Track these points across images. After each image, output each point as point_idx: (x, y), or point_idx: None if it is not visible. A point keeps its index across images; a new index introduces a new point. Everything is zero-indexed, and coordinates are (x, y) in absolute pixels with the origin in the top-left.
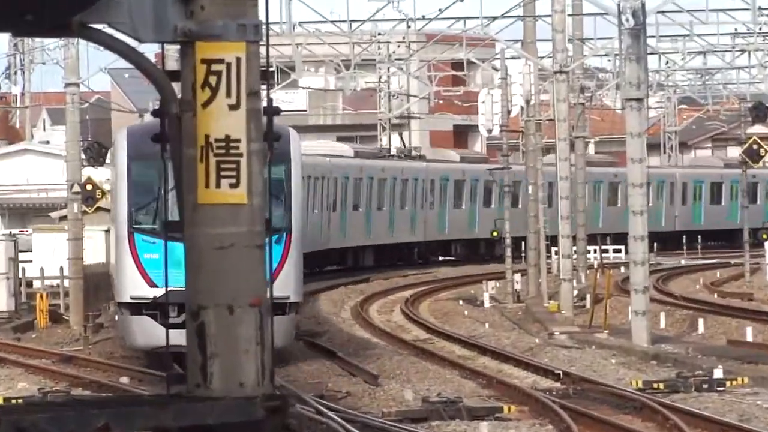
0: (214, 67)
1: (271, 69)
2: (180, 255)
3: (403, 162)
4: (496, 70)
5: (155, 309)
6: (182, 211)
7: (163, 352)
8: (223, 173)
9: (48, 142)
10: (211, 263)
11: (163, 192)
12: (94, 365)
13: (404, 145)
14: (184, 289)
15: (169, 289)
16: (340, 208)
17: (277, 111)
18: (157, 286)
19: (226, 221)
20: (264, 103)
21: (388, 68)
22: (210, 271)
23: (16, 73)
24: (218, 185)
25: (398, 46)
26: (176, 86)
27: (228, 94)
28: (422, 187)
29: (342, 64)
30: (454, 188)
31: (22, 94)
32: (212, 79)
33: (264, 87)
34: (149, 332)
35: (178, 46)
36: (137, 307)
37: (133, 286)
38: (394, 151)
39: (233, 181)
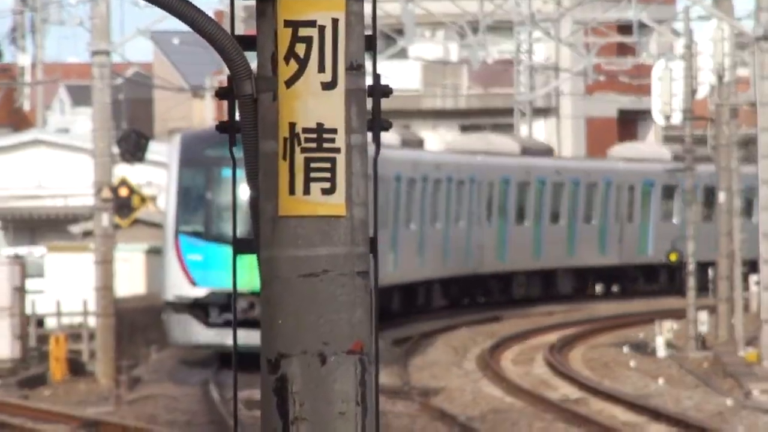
0: (303, 32)
1: (370, 33)
2: (225, 256)
3: (587, 162)
4: (678, 35)
5: (196, 308)
6: (257, 226)
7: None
8: (313, 175)
9: (68, 131)
10: (296, 296)
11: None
12: None
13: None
14: (227, 290)
15: (212, 290)
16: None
17: (388, 91)
18: (200, 286)
19: (318, 240)
20: (369, 81)
21: (530, 33)
22: (295, 306)
23: (24, 37)
24: (307, 191)
25: (544, 2)
26: (250, 57)
27: (321, 69)
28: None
29: (468, 27)
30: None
31: (33, 66)
32: (300, 49)
33: (370, 59)
34: (189, 330)
35: (253, 2)
36: (179, 306)
37: (176, 286)
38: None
39: (327, 185)
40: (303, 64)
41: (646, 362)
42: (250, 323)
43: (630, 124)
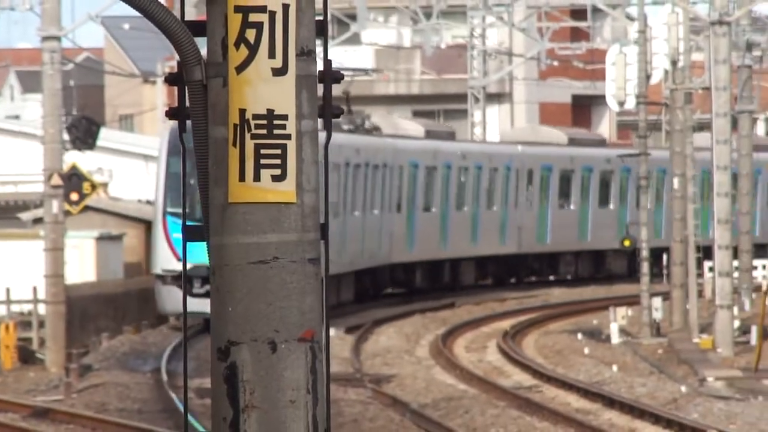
0: (253, 17)
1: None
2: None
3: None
4: (632, 19)
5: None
6: (206, 213)
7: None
8: (264, 161)
9: (18, 117)
10: (246, 284)
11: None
12: (79, 421)
13: (350, 111)
14: (207, 264)
15: (195, 264)
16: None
17: (339, 77)
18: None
19: (268, 227)
20: (320, 66)
21: (484, 18)
22: (245, 294)
23: None
24: (257, 178)
25: None
26: (200, 43)
27: (272, 55)
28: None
29: (421, 12)
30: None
31: None
32: (250, 34)
33: (320, 44)
34: (176, 300)
35: None
36: (167, 279)
37: (164, 260)
38: (478, 132)
39: (278, 172)
40: (253, 49)
41: (600, 349)
42: None
43: (584, 109)
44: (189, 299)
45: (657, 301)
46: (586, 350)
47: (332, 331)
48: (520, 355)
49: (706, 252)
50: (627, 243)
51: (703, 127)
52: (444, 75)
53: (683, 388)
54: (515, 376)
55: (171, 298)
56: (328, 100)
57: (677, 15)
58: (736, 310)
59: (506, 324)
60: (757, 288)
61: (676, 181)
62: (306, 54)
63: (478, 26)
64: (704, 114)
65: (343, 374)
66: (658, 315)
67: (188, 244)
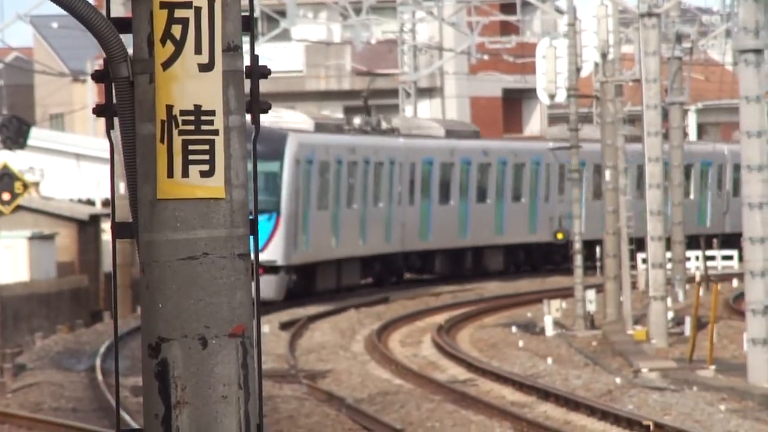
0: (179, 13)
1: (255, 16)
2: None
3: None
4: (561, 12)
5: None
6: (135, 210)
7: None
8: (192, 157)
9: None
10: (175, 280)
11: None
12: (14, 421)
13: (369, 113)
14: None
15: None
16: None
17: (266, 72)
18: None
19: (197, 223)
20: (247, 62)
21: (414, 13)
22: (175, 290)
23: None
24: (185, 174)
25: None
26: (126, 40)
27: (198, 51)
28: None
29: (350, 8)
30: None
31: None
32: (176, 30)
33: (247, 40)
34: None
35: None
36: None
37: None
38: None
39: (206, 167)
40: (179, 45)
41: (534, 342)
42: None
43: (515, 103)
44: None
45: (591, 294)
46: (521, 343)
47: (267, 328)
48: (455, 349)
49: (639, 244)
50: (560, 236)
51: (634, 120)
52: (375, 70)
53: (618, 380)
54: (450, 370)
55: None
56: (256, 96)
57: (606, 7)
58: (669, 301)
59: (441, 318)
60: (691, 279)
61: (607, 174)
62: (232, 49)
63: (408, 21)
64: (635, 106)
65: (278, 370)
66: (592, 307)
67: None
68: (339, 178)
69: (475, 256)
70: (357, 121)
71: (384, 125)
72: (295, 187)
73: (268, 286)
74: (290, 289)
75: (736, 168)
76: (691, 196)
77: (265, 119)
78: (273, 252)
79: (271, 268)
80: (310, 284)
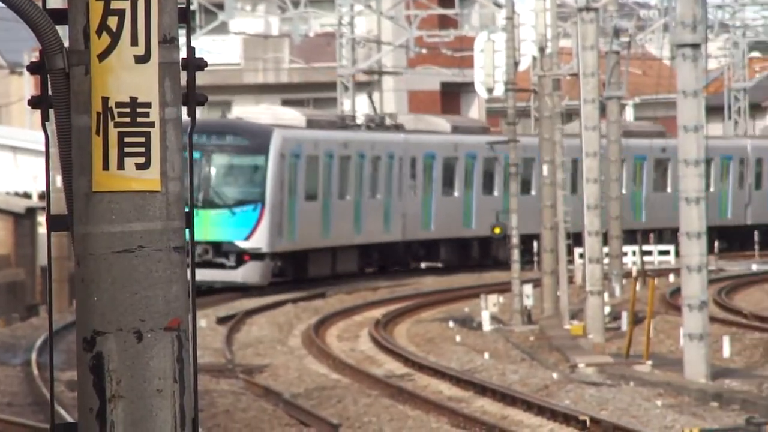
0: (115, 5)
1: (192, 7)
2: None
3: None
4: (499, 6)
5: None
6: (70, 202)
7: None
8: (127, 150)
9: None
10: (111, 273)
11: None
12: None
13: (375, 110)
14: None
15: None
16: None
17: (202, 64)
18: None
19: (132, 215)
20: (183, 54)
21: (352, 6)
22: (110, 283)
23: None
24: (121, 166)
25: None
26: (62, 31)
27: (134, 42)
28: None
29: (289, 1)
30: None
31: None
32: (112, 22)
33: (183, 32)
34: None
35: None
36: None
37: None
38: (361, 119)
39: (142, 160)
40: (115, 37)
41: (471, 337)
42: (208, 264)
43: (453, 96)
44: None
45: (528, 288)
46: (458, 338)
47: (204, 322)
48: (392, 343)
49: (576, 238)
50: (497, 230)
51: (572, 114)
52: (313, 63)
53: (555, 375)
54: (387, 365)
55: None
56: (192, 88)
57: (545, 1)
58: (606, 296)
59: (378, 313)
60: (627, 274)
61: (545, 168)
62: (169, 41)
63: (347, 14)
64: (573, 100)
65: (215, 365)
66: (529, 302)
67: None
68: (330, 171)
69: (481, 246)
70: (360, 118)
71: (388, 122)
72: (280, 180)
73: (254, 272)
74: (278, 275)
75: (658, 163)
76: (644, 190)
77: (259, 114)
78: (258, 240)
79: (257, 255)
80: (301, 271)
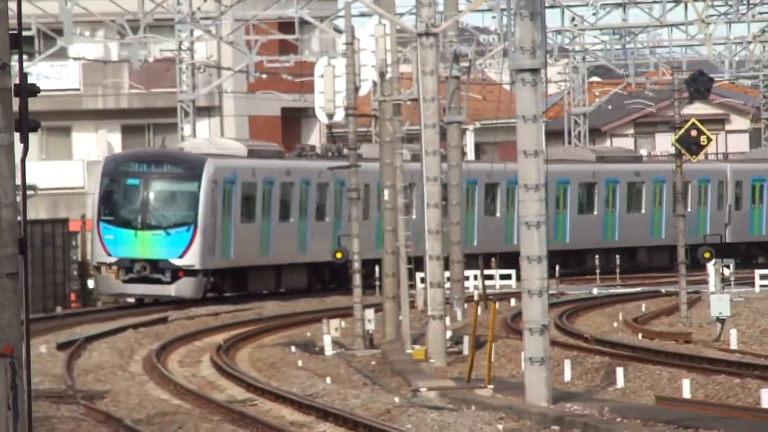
0: None
1: (28, 33)
2: (127, 236)
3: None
4: (340, 32)
5: (111, 270)
6: None
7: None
8: None
9: None
10: None
11: None
12: None
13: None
14: (129, 257)
15: (119, 258)
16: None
17: (34, 90)
18: (113, 256)
19: None
20: (16, 80)
21: (192, 31)
22: None
23: None
24: None
25: (205, 1)
26: None
27: None
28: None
29: (128, 26)
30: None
31: None
32: None
33: (16, 58)
34: (107, 285)
35: None
36: (100, 269)
37: (98, 255)
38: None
39: None
40: None
41: (313, 361)
42: (146, 280)
43: (294, 122)
44: (116, 284)
45: (370, 313)
46: (300, 363)
47: (44, 348)
48: (234, 368)
49: (418, 263)
50: (339, 255)
51: (413, 138)
52: (153, 89)
53: (396, 399)
54: (229, 390)
55: (103, 282)
56: (25, 114)
57: (384, 27)
58: (448, 320)
59: (220, 338)
60: (469, 298)
61: (386, 193)
62: (0, 67)
63: (186, 40)
64: (414, 125)
65: (55, 391)
66: (371, 326)
67: (112, 241)
68: (268, 196)
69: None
70: (318, 148)
71: (346, 151)
72: (212, 204)
73: (187, 287)
74: (213, 290)
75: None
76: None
77: (201, 145)
78: (191, 258)
79: (190, 272)
80: (240, 286)
